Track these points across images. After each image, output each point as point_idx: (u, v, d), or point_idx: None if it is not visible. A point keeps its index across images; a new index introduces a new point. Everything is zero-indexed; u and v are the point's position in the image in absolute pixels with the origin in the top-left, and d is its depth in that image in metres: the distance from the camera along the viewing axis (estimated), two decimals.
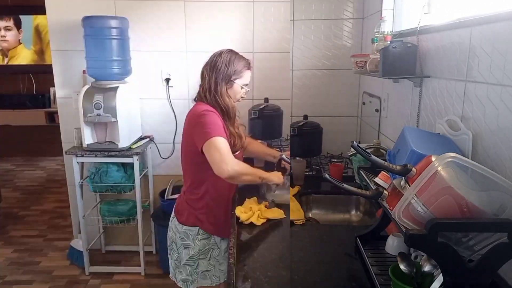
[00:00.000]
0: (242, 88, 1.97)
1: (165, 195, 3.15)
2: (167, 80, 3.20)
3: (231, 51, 1.98)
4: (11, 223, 4.17)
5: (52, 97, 6.02)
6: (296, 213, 1.91)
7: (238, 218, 1.75)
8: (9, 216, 4.36)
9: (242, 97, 2.02)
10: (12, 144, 6.28)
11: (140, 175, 3.06)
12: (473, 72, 1.34)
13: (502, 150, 1.19)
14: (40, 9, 3.39)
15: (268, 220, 1.79)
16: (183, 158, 1.99)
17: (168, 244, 2.04)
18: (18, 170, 5.91)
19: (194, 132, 1.84)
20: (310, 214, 2.18)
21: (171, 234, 2.00)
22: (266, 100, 2.92)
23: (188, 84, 3.21)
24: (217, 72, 1.91)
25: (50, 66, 3.19)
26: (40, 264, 3.39)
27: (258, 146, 2.36)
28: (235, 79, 1.93)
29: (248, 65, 1.98)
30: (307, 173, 2.54)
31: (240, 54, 2.00)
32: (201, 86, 1.96)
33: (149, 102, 3.27)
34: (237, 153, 1.97)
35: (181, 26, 3.12)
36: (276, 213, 1.85)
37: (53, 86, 3.30)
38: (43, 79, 6.09)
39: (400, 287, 1.12)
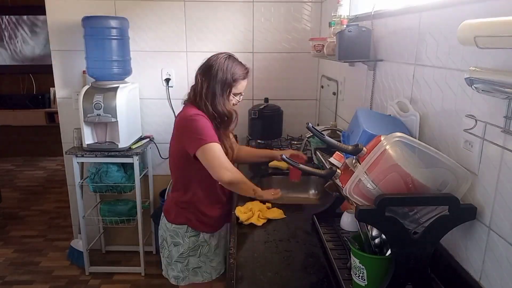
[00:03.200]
0: (235, 96, 1.92)
1: (165, 195, 3.16)
2: (167, 80, 3.21)
3: (229, 56, 1.90)
4: (11, 223, 4.18)
5: (52, 97, 5.97)
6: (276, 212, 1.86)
7: (238, 218, 1.72)
8: (9, 216, 4.36)
9: (234, 104, 1.96)
10: (12, 144, 6.23)
11: (140, 175, 3.07)
12: (421, 56, 1.40)
13: (446, 130, 1.25)
14: (40, 9, 3.38)
15: (269, 220, 1.76)
16: (170, 160, 2.00)
17: (159, 242, 2.08)
18: (18, 170, 5.87)
19: (184, 136, 1.82)
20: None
21: (162, 233, 2.03)
22: (266, 100, 2.98)
23: (188, 84, 3.14)
24: (210, 78, 1.86)
25: (50, 66, 3.19)
26: (40, 264, 3.41)
27: (250, 150, 2.35)
28: (228, 88, 1.87)
29: (245, 74, 1.92)
30: None
31: (239, 60, 1.95)
32: (193, 88, 1.92)
33: (149, 102, 3.29)
34: None
35: (181, 26, 3.14)
36: (276, 213, 1.81)
37: (53, 86, 3.29)
38: (43, 79, 6.04)
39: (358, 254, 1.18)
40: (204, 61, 1.92)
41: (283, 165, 2.31)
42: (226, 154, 1.87)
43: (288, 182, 2.26)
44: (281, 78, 3.24)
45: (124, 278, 3.21)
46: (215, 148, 1.77)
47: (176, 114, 3.19)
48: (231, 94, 1.90)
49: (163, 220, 2.02)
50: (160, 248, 2.08)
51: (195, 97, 1.88)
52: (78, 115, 2.87)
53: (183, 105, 1.97)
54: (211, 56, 1.91)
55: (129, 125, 2.99)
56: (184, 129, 1.83)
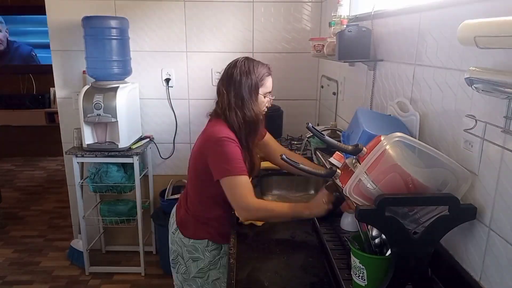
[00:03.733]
0: (265, 97, 1.82)
1: (165, 195, 3.16)
2: (167, 80, 3.21)
3: (247, 58, 1.82)
4: (11, 223, 4.17)
5: (52, 97, 5.97)
6: None
7: (238, 219, 1.70)
8: (9, 216, 4.36)
9: (267, 107, 1.87)
10: (12, 144, 6.20)
11: (140, 175, 3.07)
12: (421, 56, 1.40)
13: (445, 130, 1.25)
14: (40, 9, 3.38)
15: None
16: (190, 173, 1.87)
17: (171, 258, 1.94)
18: (18, 170, 5.86)
19: (211, 158, 1.70)
20: (270, 196, 2.24)
21: (176, 248, 1.88)
22: None
23: (188, 84, 3.24)
24: (235, 85, 1.75)
25: (50, 66, 3.19)
26: (40, 264, 3.41)
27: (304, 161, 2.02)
28: (255, 90, 1.77)
29: (268, 71, 1.82)
30: None
31: (258, 60, 1.85)
32: (218, 102, 1.81)
33: (149, 102, 3.29)
34: None
35: (181, 26, 3.14)
36: None
37: (53, 86, 3.29)
38: (43, 79, 6.03)
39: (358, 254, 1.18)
40: (223, 71, 1.83)
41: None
42: (253, 167, 1.82)
43: (287, 182, 2.26)
44: (281, 78, 3.21)
45: (124, 278, 3.21)
46: (239, 182, 1.64)
47: (175, 114, 3.28)
48: (261, 95, 1.80)
49: (177, 235, 1.87)
50: (172, 263, 1.94)
51: (223, 110, 1.76)
52: (78, 115, 2.87)
53: (208, 118, 1.86)
54: (229, 64, 1.82)
55: (129, 125, 2.99)
56: (211, 151, 1.70)
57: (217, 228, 1.82)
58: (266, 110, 1.88)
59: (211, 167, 1.69)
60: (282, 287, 1.32)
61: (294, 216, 1.64)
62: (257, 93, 1.78)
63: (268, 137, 2.12)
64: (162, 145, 3.37)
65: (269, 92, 1.84)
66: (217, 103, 1.82)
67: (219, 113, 1.77)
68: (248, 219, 1.69)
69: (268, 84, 1.81)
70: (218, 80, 1.84)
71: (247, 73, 1.75)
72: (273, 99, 1.90)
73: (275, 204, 1.72)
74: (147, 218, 3.35)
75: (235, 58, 1.83)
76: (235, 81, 1.75)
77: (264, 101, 1.82)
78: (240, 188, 1.63)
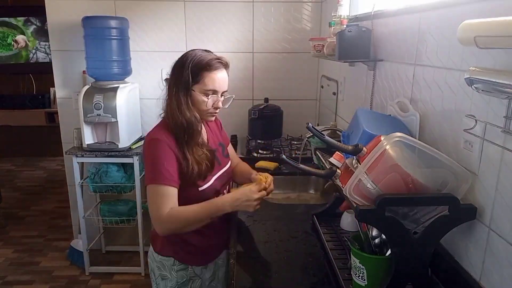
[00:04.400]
0: (206, 96, 1.54)
1: None
2: (167, 80, 3.21)
3: (194, 50, 1.58)
4: (11, 223, 4.17)
5: (52, 97, 5.96)
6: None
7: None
8: (9, 216, 4.35)
9: (216, 108, 1.59)
10: (12, 144, 6.20)
11: (140, 175, 3.06)
12: (421, 56, 1.40)
13: (446, 130, 1.25)
14: (40, 10, 3.37)
15: (269, 220, 1.75)
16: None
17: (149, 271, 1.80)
18: (18, 170, 5.85)
19: (144, 162, 1.57)
20: (270, 195, 2.22)
21: (150, 261, 1.75)
22: (266, 100, 2.98)
23: None
24: (171, 81, 1.59)
25: (50, 66, 3.19)
26: (40, 264, 3.40)
27: (243, 170, 1.87)
28: (192, 86, 1.53)
29: (209, 66, 1.51)
30: (268, 155, 2.67)
31: (214, 53, 1.59)
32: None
33: (149, 102, 3.28)
34: (211, 179, 1.61)
35: (181, 26, 3.14)
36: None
37: (53, 86, 3.29)
38: (43, 79, 6.04)
39: (358, 254, 1.18)
40: None
41: (270, 165, 2.33)
42: (200, 172, 1.55)
43: (286, 182, 2.26)
44: (281, 78, 3.24)
45: (124, 278, 3.21)
46: (157, 191, 1.47)
47: None
48: (198, 93, 1.54)
49: (150, 248, 1.74)
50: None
51: (164, 109, 1.61)
52: (78, 115, 2.87)
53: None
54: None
55: (129, 125, 2.99)
56: (143, 153, 1.56)
57: (183, 247, 1.65)
58: (213, 112, 1.60)
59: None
60: (282, 287, 1.31)
61: (214, 215, 1.50)
62: (188, 91, 1.54)
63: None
64: None
65: (212, 91, 1.54)
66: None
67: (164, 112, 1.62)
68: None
69: (208, 80, 1.52)
70: None
71: (180, 67, 1.55)
72: (232, 98, 1.65)
73: (190, 211, 1.50)
74: (147, 218, 3.29)
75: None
76: (171, 77, 1.60)
77: (204, 100, 1.54)
78: (157, 197, 1.47)
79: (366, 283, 1.16)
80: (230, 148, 1.90)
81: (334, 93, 2.57)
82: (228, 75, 1.60)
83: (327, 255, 1.42)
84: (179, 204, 1.50)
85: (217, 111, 1.60)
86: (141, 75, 3.22)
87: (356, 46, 1.75)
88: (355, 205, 1.12)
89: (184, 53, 1.58)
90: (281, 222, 1.75)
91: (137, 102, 3.20)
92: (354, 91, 2.19)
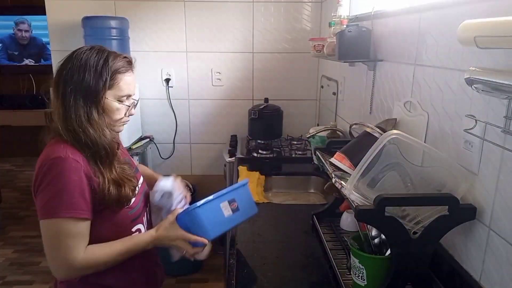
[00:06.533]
0: (121, 102, 1.28)
1: None
2: (167, 80, 3.21)
3: (92, 47, 1.26)
4: (11, 224, 4.16)
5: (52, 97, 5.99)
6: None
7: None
8: (9, 216, 4.33)
9: (130, 115, 1.34)
10: (12, 144, 6.15)
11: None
12: (421, 56, 1.40)
13: (446, 130, 1.25)
14: (40, 9, 3.36)
15: (269, 220, 1.74)
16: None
17: None
18: (18, 170, 5.83)
19: (38, 190, 1.21)
20: (270, 194, 2.24)
21: None
22: (266, 100, 2.98)
23: (188, 84, 3.24)
24: (67, 86, 1.21)
25: (50, 66, 3.16)
26: (40, 265, 3.38)
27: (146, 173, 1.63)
28: (98, 95, 1.22)
29: (123, 67, 1.27)
30: (268, 155, 2.67)
31: (112, 50, 1.30)
32: (52, 112, 1.30)
33: (149, 102, 3.28)
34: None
35: (181, 26, 3.13)
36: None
37: None
38: (43, 79, 5.80)
39: (358, 254, 1.18)
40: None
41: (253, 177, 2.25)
42: (119, 198, 1.26)
43: (286, 182, 2.27)
44: (281, 78, 3.24)
45: None
46: (70, 229, 1.18)
47: (175, 114, 3.26)
48: (114, 101, 1.26)
49: None
50: None
51: (59, 125, 1.26)
52: None
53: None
54: (67, 55, 1.27)
55: (129, 125, 2.87)
56: (40, 179, 1.22)
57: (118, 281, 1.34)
58: (127, 121, 1.36)
59: (36, 203, 1.24)
60: (282, 287, 1.32)
61: (133, 253, 1.26)
62: (98, 99, 1.23)
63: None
64: (162, 145, 3.36)
65: (127, 96, 1.30)
66: (52, 113, 1.31)
67: (55, 130, 1.29)
68: (68, 278, 1.26)
69: (123, 84, 1.26)
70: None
71: (82, 70, 1.21)
72: (136, 101, 1.38)
73: (107, 253, 1.23)
74: None
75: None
76: (66, 81, 1.22)
77: (119, 108, 1.28)
78: (67, 236, 1.17)
79: (365, 283, 1.16)
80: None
81: (334, 93, 2.57)
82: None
83: (327, 255, 1.42)
84: (100, 239, 1.23)
85: (129, 118, 1.36)
86: (141, 75, 3.21)
87: (356, 46, 1.74)
88: (354, 205, 1.12)
89: (76, 51, 1.25)
90: (281, 222, 1.75)
91: (137, 102, 3.18)
92: (354, 91, 2.19)
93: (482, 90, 0.93)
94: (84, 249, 1.20)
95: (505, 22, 0.81)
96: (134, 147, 3.03)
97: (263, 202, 1.91)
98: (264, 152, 2.70)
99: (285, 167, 2.54)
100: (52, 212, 1.19)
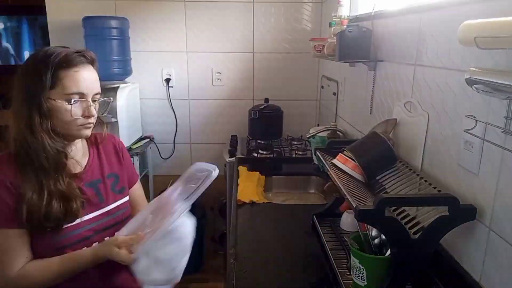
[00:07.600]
0: (70, 102, 1.15)
1: None
2: (167, 80, 3.22)
3: (42, 49, 1.17)
4: None
5: None
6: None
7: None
8: None
9: (88, 116, 1.19)
10: None
11: (140, 176, 3.02)
12: (422, 56, 1.40)
13: (446, 130, 1.25)
14: (40, 9, 3.34)
15: (269, 220, 1.75)
16: None
17: None
18: None
19: None
20: (270, 195, 2.25)
21: None
22: (266, 100, 2.99)
23: (188, 84, 3.25)
24: (17, 92, 1.15)
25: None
26: None
27: None
28: (48, 92, 1.13)
29: (67, 62, 1.14)
30: (269, 155, 2.66)
31: (68, 48, 1.20)
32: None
33: (149, 102, 3.29)
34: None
35: (181, 26, 3.14)
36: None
37: None
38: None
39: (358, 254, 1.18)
40: None
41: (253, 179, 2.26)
42: (66, 212, 1.17)
43: (286, 182, 2.27)
44: (281, 78, 3.24)
45: None
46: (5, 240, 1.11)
47: (176, 114, 3.26)
48: (60, 100, 1.14)
49: None
50: None
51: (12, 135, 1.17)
52: None
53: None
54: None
55: (129, 125, 2.99)
56: None
57: None
58: (85, 123, 1.21)
59: None
60: (282, 287, 1.31)
61: (74, 271, 1.18)
62: (40, 101, 1.12)
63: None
64: (162, 145, 3.37)
65: (77, 94, 1.16)
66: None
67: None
68: None
69: (68, 81, 1.14)
70: None
71: (24, 73, 1.15)
72: (110, 101, 1.31)
73: (43, 274, 1.16)
74: None
75: None
76: (16, 87, 1.16)
77: (67, 109, 1.15)
78: None
79: (365, 283, 1.16)
80: (137, 188, 1.58)
81: (334, 93, 2.58)
82: (97, 73, 1.24)
83: (327, 255, 1.42)
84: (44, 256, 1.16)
85: (89, 120, 1.20)
86: (141, 75, 3.22)
87: (357, 46, 1.75)
88: (354, 205, 1.12)
89: (29, 55, 1.20)
90: (281, 222, 1.75)
91: (137, 102, 3.20)
92: (354, 91, 2.19)
93: (483, 91, 0.93)
94: (20, 264, 1.13)
95: (506, 22, 0.81)
96: (134, 147, 3.03)
97: (263, 202, 1.91)
98: (264, 152, 2.70)
99: (285, 167, 2.55)
100: None
